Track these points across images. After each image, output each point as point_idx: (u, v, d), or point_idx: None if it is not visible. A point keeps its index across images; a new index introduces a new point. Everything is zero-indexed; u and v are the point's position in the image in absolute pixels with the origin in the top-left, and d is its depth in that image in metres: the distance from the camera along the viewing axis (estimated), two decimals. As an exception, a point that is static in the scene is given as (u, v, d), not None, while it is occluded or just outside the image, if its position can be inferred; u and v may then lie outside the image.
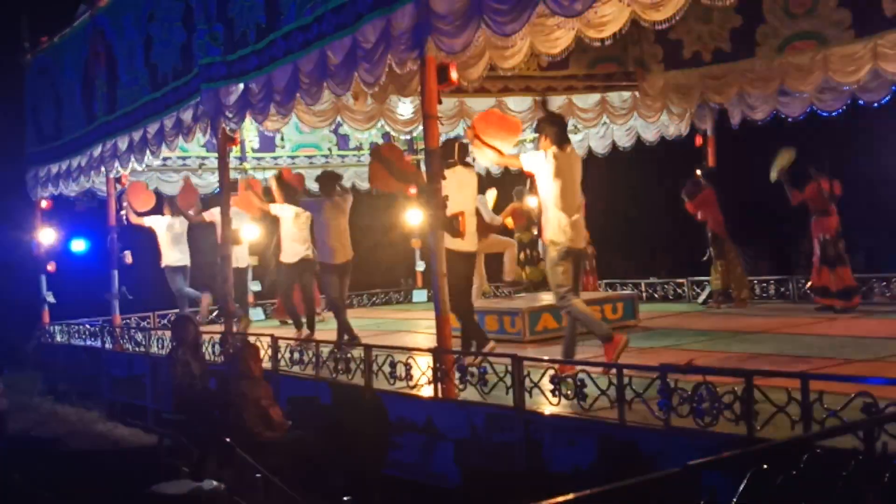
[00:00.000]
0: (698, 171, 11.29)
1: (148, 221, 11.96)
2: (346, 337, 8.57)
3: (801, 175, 9.53)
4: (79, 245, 12.83)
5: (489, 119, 7.07)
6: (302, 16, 7.12)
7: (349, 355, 7.07)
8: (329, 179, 9.13)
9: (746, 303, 10.28)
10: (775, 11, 8.91)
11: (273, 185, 9.88)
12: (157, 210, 12.12)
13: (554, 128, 6.43)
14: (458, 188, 6.94)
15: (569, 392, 5.16)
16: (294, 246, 9.54)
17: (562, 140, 6.39)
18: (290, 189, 9.89)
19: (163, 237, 11.85)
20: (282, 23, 7.39)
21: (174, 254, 11.86)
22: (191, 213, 11.90)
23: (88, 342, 11.73)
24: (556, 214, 6.28)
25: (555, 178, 6.26)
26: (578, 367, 5.22)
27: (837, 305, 9.15)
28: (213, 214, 10.84)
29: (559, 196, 6.27)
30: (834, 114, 9.33)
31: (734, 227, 10.42)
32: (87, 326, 11.99)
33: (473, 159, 8.07)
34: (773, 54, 9.03)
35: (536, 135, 6.99)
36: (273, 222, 10.26)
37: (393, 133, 11.73)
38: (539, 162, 6.37)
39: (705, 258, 11.29)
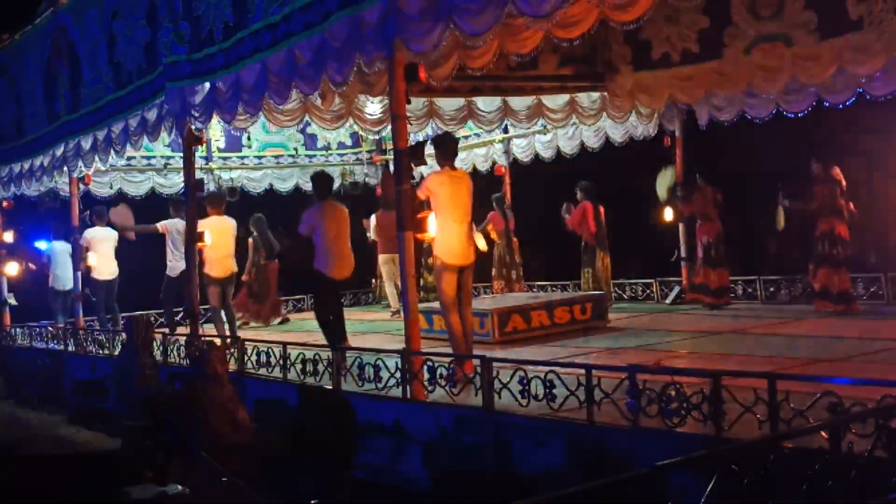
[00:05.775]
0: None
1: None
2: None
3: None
4: (41, 246, 12.58)
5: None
6: (270, 14, 7.04)
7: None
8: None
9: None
10: (742, 13, 8.96)
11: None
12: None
13: (448, 147, 6.93)
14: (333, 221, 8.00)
15: (538, 393, 5.15)
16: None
17: (452, 158, 6.89)
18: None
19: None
20: (249, 21, 7.30)
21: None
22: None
23: (51, 345, 11.52)
24: (445, 230, 6.59)
25: (448, 196, 6.62)
26: (547, 368, 5.22)
27: (710, 301, 10.07)
28: (87, 239, 11.51)
29: (450, 213, 6.61)
30: (799, 114, 9.42)
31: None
32: (50, 329, 11.77)
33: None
34: (741, 55, 9.08)
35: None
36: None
37: (361, 133, 11.70)
38: (435, 181, 6.68)
39: (674, 258, 11.39)
